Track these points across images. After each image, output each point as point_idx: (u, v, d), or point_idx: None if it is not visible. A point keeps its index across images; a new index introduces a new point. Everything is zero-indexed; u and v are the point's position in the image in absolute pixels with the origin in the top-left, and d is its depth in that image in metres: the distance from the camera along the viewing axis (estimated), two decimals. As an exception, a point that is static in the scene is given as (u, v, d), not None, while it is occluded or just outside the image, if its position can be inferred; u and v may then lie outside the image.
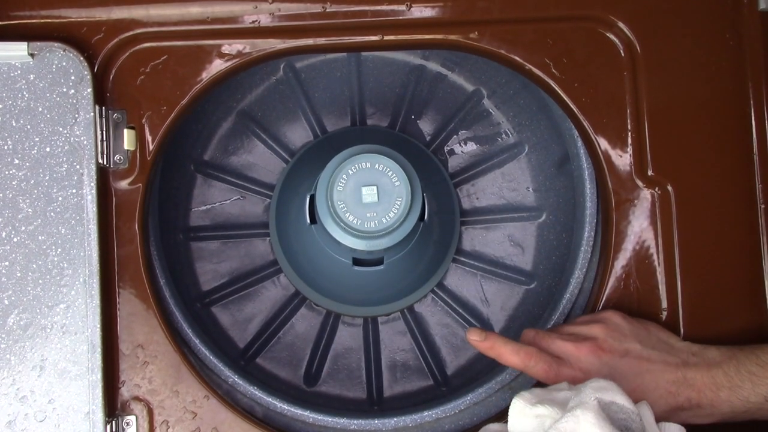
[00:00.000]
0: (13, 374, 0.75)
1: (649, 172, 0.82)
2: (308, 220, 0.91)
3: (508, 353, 0.77)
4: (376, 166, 0.84)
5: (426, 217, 0.89)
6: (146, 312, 0.79)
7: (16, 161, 0.76)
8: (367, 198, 0.84)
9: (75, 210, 0.76)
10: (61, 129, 0.76)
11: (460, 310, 1.04)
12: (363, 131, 1.07)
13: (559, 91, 0.83)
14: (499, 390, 0.87)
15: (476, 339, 0.78)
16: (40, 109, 0.76)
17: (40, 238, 0.76)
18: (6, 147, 0.76)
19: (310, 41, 0.83)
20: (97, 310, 0.75)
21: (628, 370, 0.75)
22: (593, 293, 0.86)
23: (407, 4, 0.83)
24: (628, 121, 0.83)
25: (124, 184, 0.80)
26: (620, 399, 0.65)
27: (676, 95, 0.83)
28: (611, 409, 0.65)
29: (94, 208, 0.76)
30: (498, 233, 1.06)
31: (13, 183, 0.76)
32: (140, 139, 0.80)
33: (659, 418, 0.72)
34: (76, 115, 0.77)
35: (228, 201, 1.05)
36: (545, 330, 0.82)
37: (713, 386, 0.74)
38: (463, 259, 1.06)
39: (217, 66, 0.82)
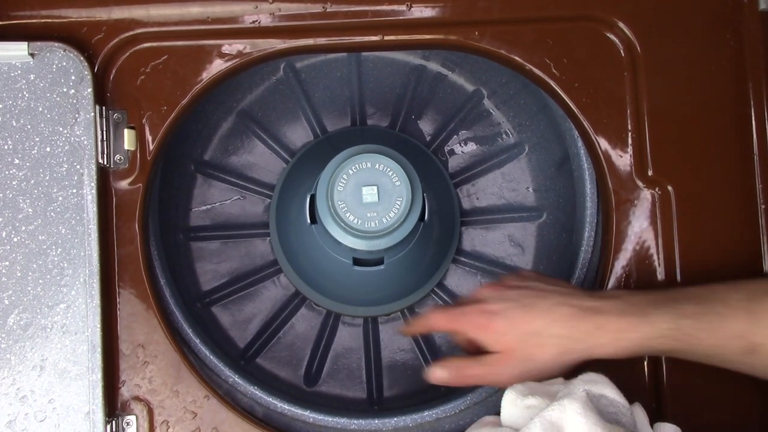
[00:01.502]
0: (13, 374, 0.75)
1: (649, 172, 0.82)
2: (308, 220, 0.91)
3: (417, 322, 0.81)
4: (377, 166, 0.84)
5: (426, 217, 0.89)
6: (146, 312, 0.79)
7: (17, 161, 0.76)
8: (367, 198, 0.84)
9: (75, 210, 0.76)
10: (61, 129, 0.76)
11: (460, 310, 1.04)
12: (363, 131, 1.07)
13: (559, 91, 0.83)
14: (500, 390, 0.87)
15: (404, 328, 0.83)
16: (41, 109, 0.76)
17: (40, 237, 0.76)
18: (6, 147, 0.76)
19: (310, 41, 0.83)
20: (97, 310, 0.75)
21: (522, 296, 0.74)
22: (593, 293, 0.86)
23: (407, 4, 0.83)
24: (628, 121, 0.83)
25: (124, 184, 0.80)
26: (610, 393, 0.66)
27: (676, 95, 0.83)
28: (601, 402, 0.65)
29: (95, 208, 0.76)
30: (498, 233, 1.06)
31: (14, 183, 0.76)
32: (140, 139, 0.80)
33: (556, 344, 0.72)
34: (77, 115, 0.77)
35: (228, 201, 1.05)
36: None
37: (620, 312, 0.71)
38: (463, 259, 1.06)
39: (218, 66, 0.82)
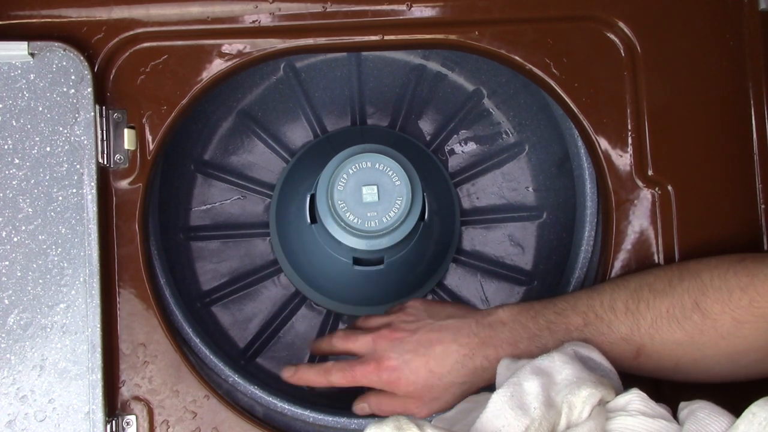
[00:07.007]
0: (13, 374, 0.75)
1: (649, 172, 0.82)
2: (308, 220, 0.91)
3: (314, 377, 0.82)
4: (377, 166, 0.84)
5: (426, 216, 0.89)
6: (146, 312, 0.79)
7: (17, 161, 0.76)
8: (367, 197, 0.84)
9: (75, 210, 0.76)
10: (61, 129, 0.76)
11: (460, 310, 1.04)
12: (363, 131, 1.07)
13: (560, 91, 0.83)
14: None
15: (289, 376, 0.84)
16: (41, 109, 0.76)
17: (40, 237, 0.76)
18: (6, 147, 0.76)
19: (310, 41, 0.83)
20: (97, 310, 0.75)
21: (417, 345, 0.77)
22: (593, 293, 0.86)
23: (407, 4, 0.83)
24: (628, 121, 0.83)
25: (124, 183, 0.80)
26: (597, 357, 0.69)
27: (676, 95, 0.83)
28: (588, 363, 0.68)
29: (95, 208, 0.76)
30: (498, 233, 1.07)
31: (14, 183, 0.76)
32: (140, 139, 0.80)
33: (460, 384, 0.76)
34: (77, 115, 0.77)
35: (228, 201, 1.05)
36: (349, 329, 0.86)
37: (511, 340, 0.75)
38: (463, 258, 1.06)
39: (218, 66, 0.82)
